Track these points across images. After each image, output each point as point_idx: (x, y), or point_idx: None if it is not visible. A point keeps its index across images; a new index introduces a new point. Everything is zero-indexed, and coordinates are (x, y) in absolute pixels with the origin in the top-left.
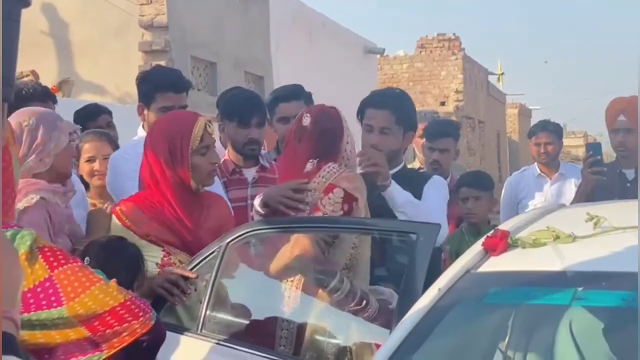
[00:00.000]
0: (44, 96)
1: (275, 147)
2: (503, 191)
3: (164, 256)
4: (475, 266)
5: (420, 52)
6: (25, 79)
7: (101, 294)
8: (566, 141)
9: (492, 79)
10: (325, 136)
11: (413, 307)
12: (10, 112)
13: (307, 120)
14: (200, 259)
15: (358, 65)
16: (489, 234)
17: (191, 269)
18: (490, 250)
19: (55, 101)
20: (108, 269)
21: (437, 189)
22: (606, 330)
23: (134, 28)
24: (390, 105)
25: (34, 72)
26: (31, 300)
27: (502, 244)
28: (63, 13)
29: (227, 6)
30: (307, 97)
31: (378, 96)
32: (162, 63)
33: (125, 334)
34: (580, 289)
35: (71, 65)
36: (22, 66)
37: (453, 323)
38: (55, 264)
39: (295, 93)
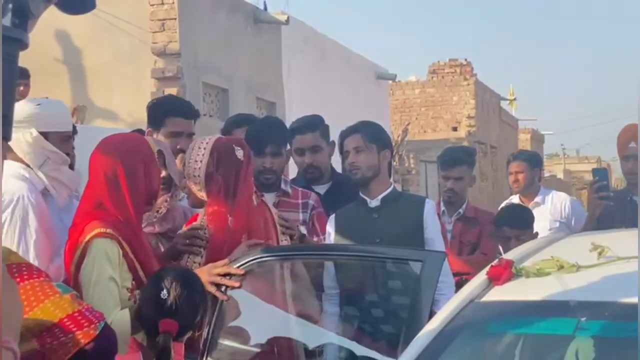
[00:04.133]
0: None
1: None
2: None
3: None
4: (479, 295)
5: (432, 77)
6: None
7: (52, 306)
8: (579, 166)
9: (504, 104)
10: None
11: (418, 335)
12: None
13: (240, 154)
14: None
15: (370, 91)
16: (492, 263)
17: None
18: (494, 279)
19: (75, 131)
20: (184, 303)
21: (437, 228)
22: None
23: (146, 55)
24: (360, 129)
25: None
26: None
27: (506, 273)
28: (76, 40)
29: (239, 33)
30: (324, 128)
31: (349, 127)
32: (174, 89)
33: (70, 344)
34: (583, 319)
35: (84, 91)
36: (36, 93)
37: (457, 352)
38: (18, 279)
39: (312, 124)
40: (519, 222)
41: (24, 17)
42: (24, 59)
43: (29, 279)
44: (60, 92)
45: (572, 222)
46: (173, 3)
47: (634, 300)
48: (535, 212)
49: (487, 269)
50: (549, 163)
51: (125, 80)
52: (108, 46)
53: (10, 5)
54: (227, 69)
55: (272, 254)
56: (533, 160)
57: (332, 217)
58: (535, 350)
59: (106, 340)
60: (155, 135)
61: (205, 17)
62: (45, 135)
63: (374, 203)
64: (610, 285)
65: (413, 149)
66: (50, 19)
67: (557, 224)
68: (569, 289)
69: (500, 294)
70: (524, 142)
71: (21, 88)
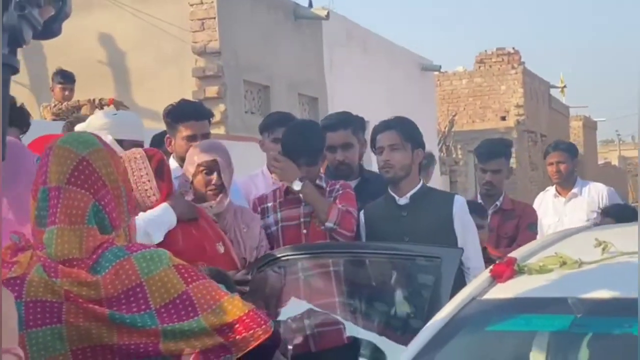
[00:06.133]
0: None
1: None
2: None
3: None
4: (481, 293)
5: (479, 67)
6: (83, 108)
7: (229, 305)
8: (635, 152)
9: (554, 92)
10: None
11: (420, 331)
12: None
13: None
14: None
15: (415, 83)
16: (497, 261)
17: None
18: (496, 277)
19: None
20: None
21: (467, 224)
22: (609, 358)
23: (187, 55)
24: (395, 126)
25: (90, 101)
26: (172, 311)
27: (508, 270)
28: (120, 42)
29: (280, 29)
30: (356, 124)
31: (383, 122)
32: (216, 88)
33: (251, 339)
34: (579, 315)
35: (128, 93)
36: (81, 95)
37: (457, 348)
38: (189, 279)
39: (344, 122)
40: (618, 217)
41: (15, 45)
42: (70, 62)
43: (198, 279)
44: (104, 94)
45: None
46: (212, 2)
47: (633, 295)
48: (572, 202)
49: (491, 267)
50: (603, 150)
51: (168, 81)
52: (150, 47)
53: (7, 35)
54: (268, 66)
55: (297, 252)
56: (572, 151)
57: (362, 212)
58: (535, 347)
59: (277, 336)
60: (173, 142)
61: (244, 14)
62: (120, 142)
63: (402, 201)
64: (610, 280)
65: (461, 139)
66: (95, 23)
67: (595, 215)
68: (569, 285)
69: (502, 291)
70: (576, 129)
71: (66, 93)
